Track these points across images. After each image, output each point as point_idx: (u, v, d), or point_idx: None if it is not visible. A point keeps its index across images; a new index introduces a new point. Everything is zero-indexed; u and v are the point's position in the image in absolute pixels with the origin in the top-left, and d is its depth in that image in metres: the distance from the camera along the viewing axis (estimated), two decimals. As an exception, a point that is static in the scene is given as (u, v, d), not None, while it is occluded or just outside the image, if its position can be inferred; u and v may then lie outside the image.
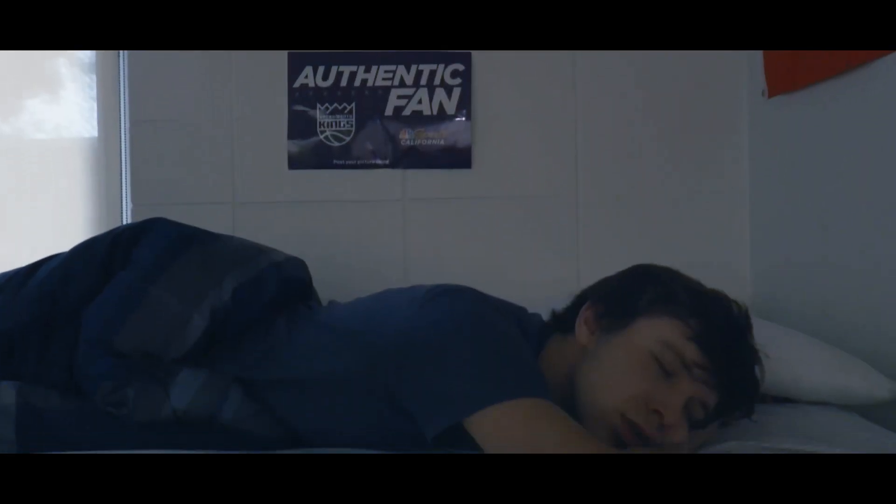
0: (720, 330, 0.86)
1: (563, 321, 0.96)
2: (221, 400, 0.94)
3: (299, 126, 1.54)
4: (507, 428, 0.75)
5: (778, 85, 1.43)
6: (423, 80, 1.55)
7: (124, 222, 1.52)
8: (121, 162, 1.54)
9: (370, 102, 1.55)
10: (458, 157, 1.57)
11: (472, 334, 0.82)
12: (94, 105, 1.55)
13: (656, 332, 0.85)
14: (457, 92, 1.55)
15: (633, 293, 0.90)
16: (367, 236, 1.56)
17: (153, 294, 0.96)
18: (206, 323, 0.97)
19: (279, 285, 1.04)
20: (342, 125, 1.55)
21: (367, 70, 1.54)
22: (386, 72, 1.54)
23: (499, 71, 1.56)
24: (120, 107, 1.55)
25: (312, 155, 1.54)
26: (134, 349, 0.94)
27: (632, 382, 0.84)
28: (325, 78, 1.54)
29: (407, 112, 1.55)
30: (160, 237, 1.04)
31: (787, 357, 1.07)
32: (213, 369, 0.96)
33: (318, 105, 1.55)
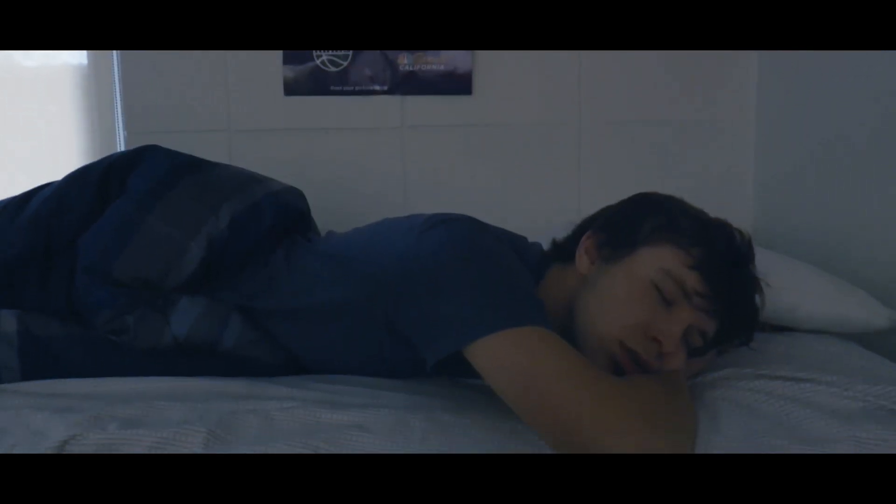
0: (722, 258, 0.85)
1: (563, 251, 0.96)
2: (222, 328, 0.95)
3: (295, 51, 1.50)
4: (506, 356, 0.75)
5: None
6: (422, 2, 1.50)
7: (118, 151, 1.49)
8: (113, 89, 1.51)
9: (367, 26, 1.50)
10: (458, 83, 1.53)
11: (472, 262, 0.81)
12: (84, 30, 1.51)
13: (657, 260, 0.85)
14: (457, 14, 1.50)
15: (634, 222, 0.89)
16: (365, 164, 1.54)
17: (149, 223, 0.96)
18: (203, 252, 0.96)
19: (276, 215, 1.03)
20: (339, 49, 1.50)
21: (364, -9, 1.48)
22: (383, -7, 1.49)
23: (500, -8, 1.51)
24: (109, 31, 1.50)
25: (308, 81, 1.51)
26: (132, 278, 0.94)
27: (631, 311, 0.84)
28: (320, 0, 1.49)
29: (405, 36, 1.51)
30: (155, 165, 1.02)
31: (786, 285, 1.07)
32: (213, 298, 0.97)
33: (314, 28, 1.50)
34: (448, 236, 0.84)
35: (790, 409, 0.83)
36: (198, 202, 0.98)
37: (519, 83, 1.55)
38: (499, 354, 0.75)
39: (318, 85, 1.51)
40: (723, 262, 0.85)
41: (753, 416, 0.82)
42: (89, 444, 0.74)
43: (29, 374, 0.92)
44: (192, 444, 0.74)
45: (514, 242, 0.96)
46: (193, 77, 1.48)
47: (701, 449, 0.74)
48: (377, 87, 1.52)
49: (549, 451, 0.72)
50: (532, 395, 0.73)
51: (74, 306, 0.96)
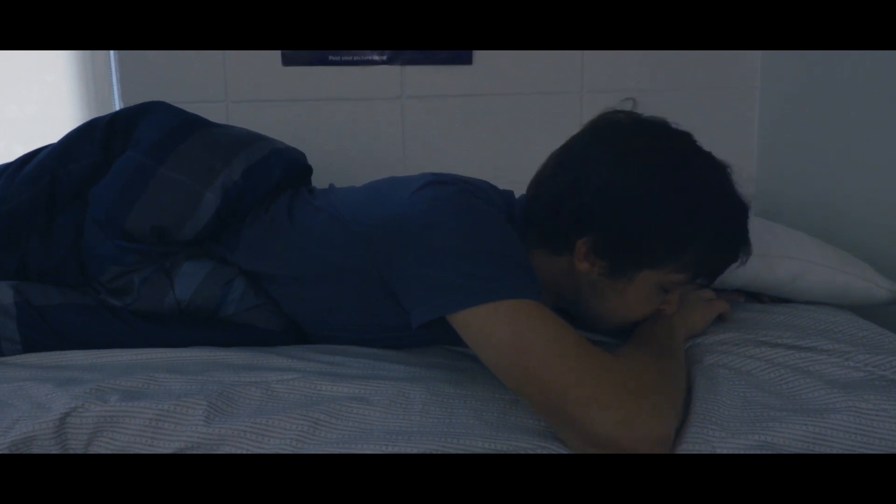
0: (722, 255, 0.88)
1: (553, 239, 0.89)
2: (225, 292, 0.95)
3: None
4: (492, 328, 0.74)
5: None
6: (422, -31, 1.47)
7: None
8: (109, 59, 1.49)
9: (366, -6, 1.47)
10: (458, 53, 1.51)
11: (463, 228, 0.80)
12: None
13: (661, 277, 0.86)
14: (457, -18, 1.47)
15: (637, 243, 0.84)
16: (364, 136, 1.53)
17: (162, 173, 0.95)
18: (218, 201, 0.95)
19: (286, 168, 1.03)
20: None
21: (362, -42, 1.46)
22: (382, -40, 1.46)
23: (501, -42, 1.48)
24: (104, 0, 1.48)
25: (306, 50, 1.49)
26: (147, 229, 0.94)
27: (641, 311, 0.90)
28: (317, -33, 1.46)
29: (405, 4, 1.48)
30: (165, 118, 1.02)
31: (787, 255, 1.06)
32: (219, 262, 0.97)
33: (312, -3, 1.47)
34: (440, 199, 0.83)
35: (790, 376, 0.83)
36: (210, 153, 0.98)
37: (520, 52, 1.53)
38: (485, 326, 0.74)
39: (316, 55, 1.49)
40: (723, 257, 0.88)
41: (752, 383, 0.82)
42: (91, 416, 0.75)
43: (30, 345, 0.92)
44: (194, 415, 0.75)
45: (503, 197, 0.96)
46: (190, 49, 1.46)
47: (698, 416, 0.74)
48: (376, 57, 1.50)
49: (542, 451, 0.72)
50: (518, 369, 0.73)
51: (82, 258, 0.96)
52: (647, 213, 0.82)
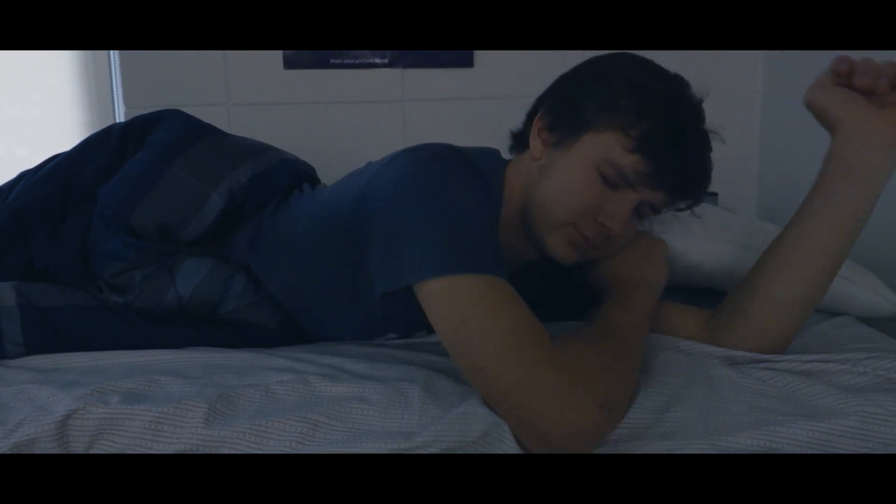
0: (664, 131, 0.84)
1: (520, 138, 0.98)
2: (225, 288, 0.96)
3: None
4: (451, 302, 0.73)
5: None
6: (423, -28, 1.47)
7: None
8: (110, 63, 1.50)
9: (367, -3, 1.48)
10: (459, 56, 1.51)
11: (430, 198, 0.78)
12: (80, 2, 1.49)
13: (600, 147, 0.85)
14: (458, -15, 1.48)
15: (578, 102, 0.89)
16: (366, 138, 1.53)
17: (171, 172, 0.97)
18: (224, 203, 0.97)
19: (292, 178, 1.05)
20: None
21: (364, -39, 1.46)
22: (383, -37, 1.46)
23: (503, -39, 1.48)
24: (106, 3, 1.48)
25: (308, 54, 1.49)
26: (152, 226, 0.95)
27: (580, 199, 0.86)
28: (319, -30, 1.46)
29: (406, 7, 1.48)
30: (178, 123, 1.05)
31: None
32: (219, 259, 0.98)
33: (313, 0, 1.47)
34: (409, 167, 0.82)
35: (797, 382, 0.82)
36: (219, 158, 1.01)
37: (520, 55, 1.53)
38: (443, 299, 0.73)
39: (317, 58, 1.49)
40: (665, 135, 0.84)
41: (759, 390, 0.81)
42: (92, 418, 0.74)
43: (32, 347, 0.92)
44: (193, 418, 0.74)
45: (486, 156, 0.95)
46: (192, 50, 1.47)
47: (701, 417, 0.74)
48: (377, 60, 1.50)
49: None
50: (459, 344, 0.73)
51: (87, 254, 0.97)
52: (585, 75, 0.92)
